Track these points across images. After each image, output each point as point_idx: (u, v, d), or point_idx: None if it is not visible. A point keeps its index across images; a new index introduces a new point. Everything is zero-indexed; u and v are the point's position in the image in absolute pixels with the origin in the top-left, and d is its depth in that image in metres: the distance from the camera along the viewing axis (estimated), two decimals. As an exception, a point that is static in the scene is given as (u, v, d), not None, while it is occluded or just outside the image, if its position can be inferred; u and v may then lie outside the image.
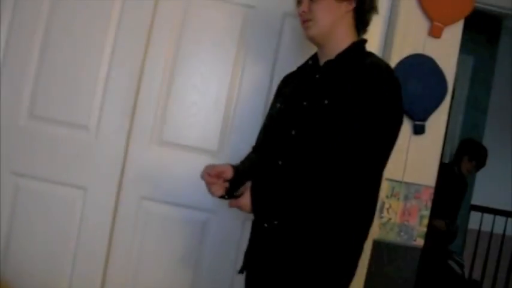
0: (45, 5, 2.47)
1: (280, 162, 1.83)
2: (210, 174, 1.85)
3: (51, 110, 2.48)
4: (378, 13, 1.97)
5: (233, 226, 2.50)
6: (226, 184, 1.86)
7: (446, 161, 4.93)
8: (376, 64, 1.82)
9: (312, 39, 1.91)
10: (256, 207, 1.77)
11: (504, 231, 4.93)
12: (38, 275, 2.49)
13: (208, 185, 1.85)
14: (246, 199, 1.77)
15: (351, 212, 1.77)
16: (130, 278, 2.50)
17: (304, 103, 1.83)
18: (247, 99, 2.51)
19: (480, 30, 4.67)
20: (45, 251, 2.49)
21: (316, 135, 1.75)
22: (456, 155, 4.49)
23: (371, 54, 1.90)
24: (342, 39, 1.87)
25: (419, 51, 2.45)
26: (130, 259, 2.50)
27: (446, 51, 2.48)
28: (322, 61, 1.92)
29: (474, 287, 4.93)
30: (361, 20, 1.91)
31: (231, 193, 1.85)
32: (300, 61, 2.44)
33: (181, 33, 2.50)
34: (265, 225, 1.82)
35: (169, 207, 2.50)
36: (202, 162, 2.47)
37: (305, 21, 1.89)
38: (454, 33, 2.48)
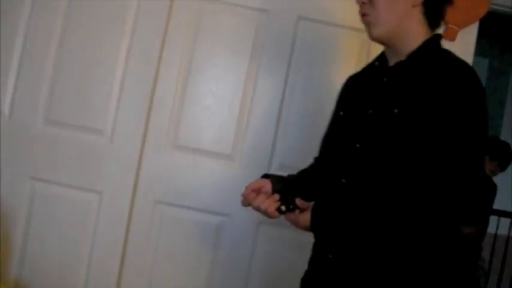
0: (61, 11, 2.49)
1: (343, 180, 1.59)
2: (245, 194, 1.66)
3: (67, 114, 2.50)
4: (453, 4, 1.64)
5: (247, 229, 2.50)
6: (276, 197, 1.61)
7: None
8: (456, 65, 1.55)
9: (377, 40, 1.64)
10: (316, 231, 1.58)
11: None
12: (54, 279, 2.50)
13: (252, 203, 1.63)
14: (305, 217, 1.54)
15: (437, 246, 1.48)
16: (145, 281, 2.51)
17: (370, 111, 1.58)
18: (261, 103, 2.51)
19: (495, 32, 4.64)
20: (61, 255, 2.51)
21: (385, 149, 1.50)
22: None
23: (448, 53, 1.62)
24: (412, 37, 1.59)
25: (434, 54, 2.44)
26: (145, 262, 2.50)
27: (461, 54, 2.44)
28: (391, 62, 1.64)
29: None
30: (434, 15, 1.61)
31: (288, 205, 1.58)
32: (315, 64, 2.44)
33: (196, 38, 2.51)
34: (330, 255, 1.58)
35: (184, 210, 2.50)
36: (216, 165, 2.50)
37: (364, 15, 1.61)
38: (469, 36, 2.47)
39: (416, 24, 1.59)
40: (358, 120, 1.62)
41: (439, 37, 1.65)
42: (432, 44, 1.61)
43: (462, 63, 1.56)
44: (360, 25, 1.68)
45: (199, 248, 2.52)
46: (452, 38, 2.43)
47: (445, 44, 2.42)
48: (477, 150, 1.45)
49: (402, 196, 1.43)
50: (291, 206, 1.57)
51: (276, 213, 1.58)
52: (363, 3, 1.59)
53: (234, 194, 2.46)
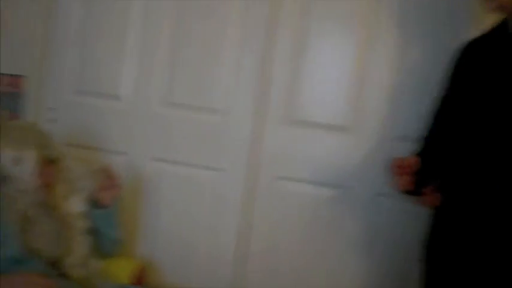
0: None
1: (484, 163, 1.59)
2: (400, 166, 1.74)
3: (185, 96, 2.59)
4: None
5: (368, 201, 2.48)
6: (412, 179, 1.74)
7: None
8: None
9: (499, 11, 1.62)
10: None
11: None
12: (176, 254, 2.65)
13: (396, 177, 1.75)
14: (436, 196, 1.68)
15: None
16: (272, 258, 2.56)
17: None
18: (375, 72, 2.45)
19: None
20: (184, 231, 2.63)
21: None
22: None
23: None
24: None
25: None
26: (271, 238, 2.55)
27: None
28: None
29: None
30: None
31: (418, 188, 1.75)
32: (430, 29, 2.36)
33: (309, 10, 2.49)
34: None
35: (305, 185, 2.52)
36: (334, 138, 2.49)
37: None
38: None
39: None
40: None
41: None
42: None
43: None
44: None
45: (322, 222, 2.52)
46: None
47: None
48: None
49: None
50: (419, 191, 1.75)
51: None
52: None
53: (351, 166, 2.46)
